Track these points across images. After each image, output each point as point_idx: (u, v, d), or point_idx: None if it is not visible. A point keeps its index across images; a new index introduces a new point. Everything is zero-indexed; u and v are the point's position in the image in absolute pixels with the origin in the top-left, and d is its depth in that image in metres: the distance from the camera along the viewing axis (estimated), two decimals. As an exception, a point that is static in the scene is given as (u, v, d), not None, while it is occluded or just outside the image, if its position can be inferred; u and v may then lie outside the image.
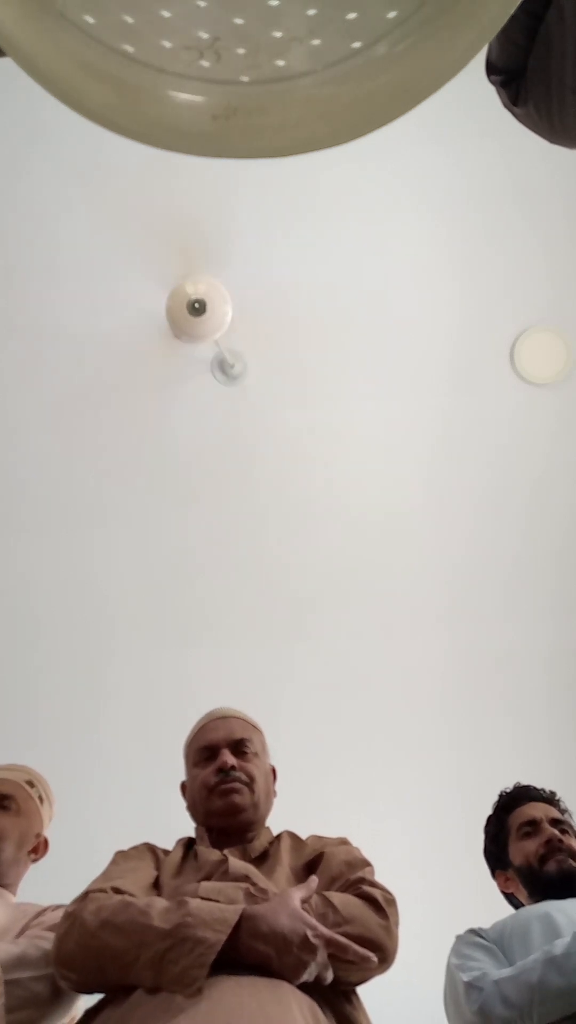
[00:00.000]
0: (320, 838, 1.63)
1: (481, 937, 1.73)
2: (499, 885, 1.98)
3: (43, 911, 1.66)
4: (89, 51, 0.81)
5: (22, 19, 0.78)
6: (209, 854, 1.52)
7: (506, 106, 1.24)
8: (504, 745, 3.04)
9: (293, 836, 1.65)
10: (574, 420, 3.16)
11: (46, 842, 1.91)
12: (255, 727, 1.79)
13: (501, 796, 2.05)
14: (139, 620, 3.16)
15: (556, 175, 2.87)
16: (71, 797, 2.16)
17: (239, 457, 3.14)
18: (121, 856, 1.58)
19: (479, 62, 0.99)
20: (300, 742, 2.66)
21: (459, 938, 1.76)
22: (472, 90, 1.14)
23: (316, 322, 3.06)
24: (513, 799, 2.01)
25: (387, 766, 3.05)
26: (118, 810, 2.81)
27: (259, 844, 1.59)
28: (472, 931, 1.77)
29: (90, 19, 0.80)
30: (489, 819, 2.03)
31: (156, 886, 1.47)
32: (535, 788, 2.04)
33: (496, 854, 1.98)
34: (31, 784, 1.90)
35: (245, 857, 1.54)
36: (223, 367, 3.06)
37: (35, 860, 1.88)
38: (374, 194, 2.93)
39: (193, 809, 1.71)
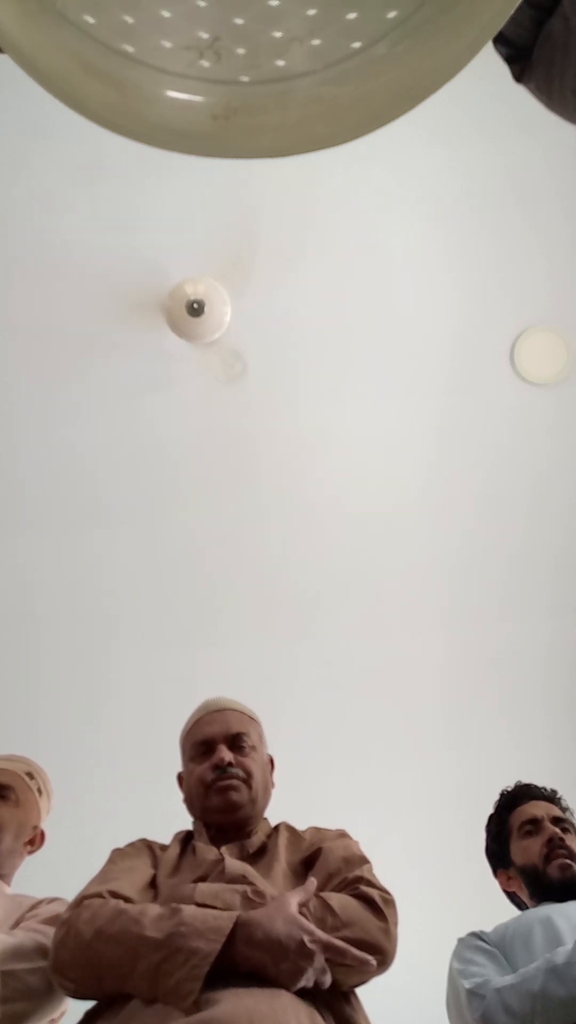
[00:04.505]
0: (318, 831, 1.62)
1: (483, 940, 1.73)
2: (501, 884, 1.97)
3: (38, 903, 1.67)
4: (89, 51, 0.81)
5: (22, 19, 0.78)
6: (206, 852, 1.50)
7: (513, 76, 1.22)
8: (503, 744, 3.04)
9: (291, 829, 1.63)
10: (574, 420, 3.16)
11: (43, 834, 1.91)
12: (252, 718, 1.76)
13: (503, 795, 2.05)
14: (140, 619, 3.16)
15: (556, 175, 2.87)
16: (73, 795, 2.16)
17: (239, 457, 3.14)
18: (118, 855, 1.56)
19: (479, 62, 0.99)
20: (299, 740, 2.65)
21: (461, 941, 1.76)
22: (472, 90, 1.14)
23: (316, 322, 3.06)
24: (515, 798, 2.01)
25: (386, 765, 3.05)
26: (120, 809, 2.80)
27: (257, 839, 1.58)
28: (474, 934, 1.77)
29: (90, 19, 0.80)
30: (491, 818, 2.03)
31: (154, 884, 1.46)
32: (536, 787, 2.04)
33: (498, 853, 1.97)
34: (31, 776, 1.90)
35: (242, 854, 1.52)
36: (223, 367, 3.06)
37: (31, 852, 1.88)
38: (374, 194, 2.93)
39: (190, 803, 1.69)
